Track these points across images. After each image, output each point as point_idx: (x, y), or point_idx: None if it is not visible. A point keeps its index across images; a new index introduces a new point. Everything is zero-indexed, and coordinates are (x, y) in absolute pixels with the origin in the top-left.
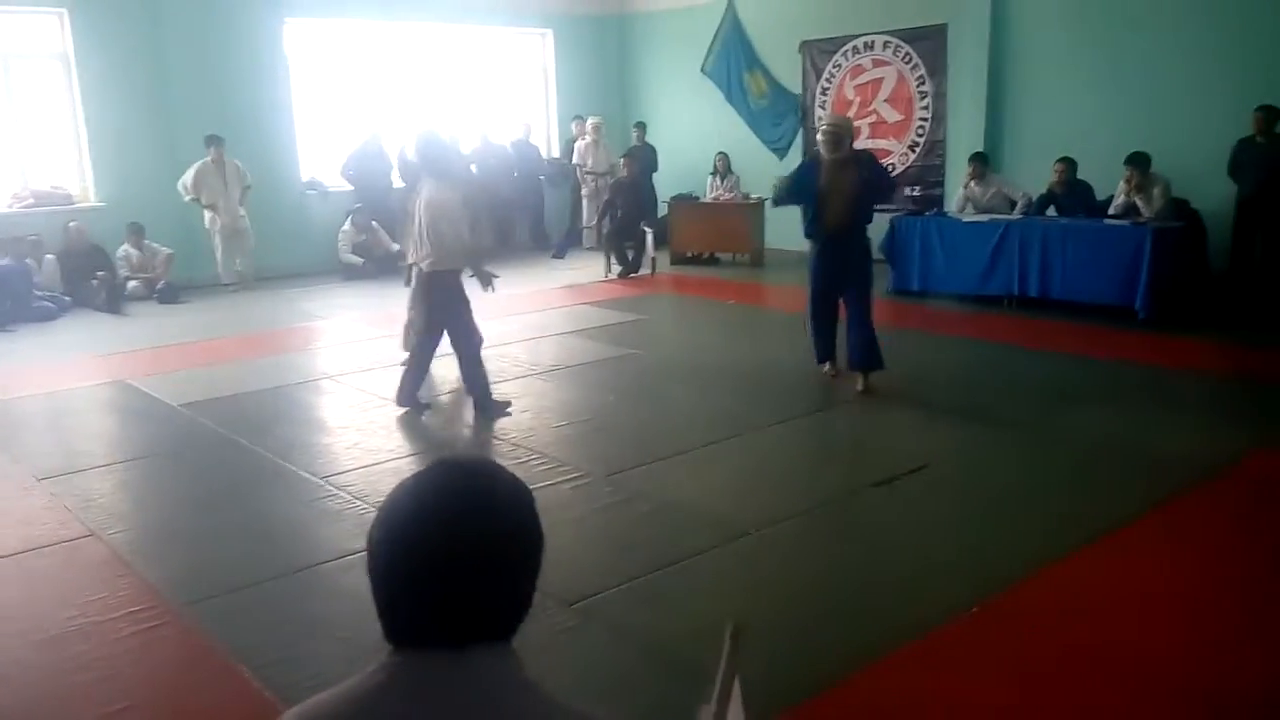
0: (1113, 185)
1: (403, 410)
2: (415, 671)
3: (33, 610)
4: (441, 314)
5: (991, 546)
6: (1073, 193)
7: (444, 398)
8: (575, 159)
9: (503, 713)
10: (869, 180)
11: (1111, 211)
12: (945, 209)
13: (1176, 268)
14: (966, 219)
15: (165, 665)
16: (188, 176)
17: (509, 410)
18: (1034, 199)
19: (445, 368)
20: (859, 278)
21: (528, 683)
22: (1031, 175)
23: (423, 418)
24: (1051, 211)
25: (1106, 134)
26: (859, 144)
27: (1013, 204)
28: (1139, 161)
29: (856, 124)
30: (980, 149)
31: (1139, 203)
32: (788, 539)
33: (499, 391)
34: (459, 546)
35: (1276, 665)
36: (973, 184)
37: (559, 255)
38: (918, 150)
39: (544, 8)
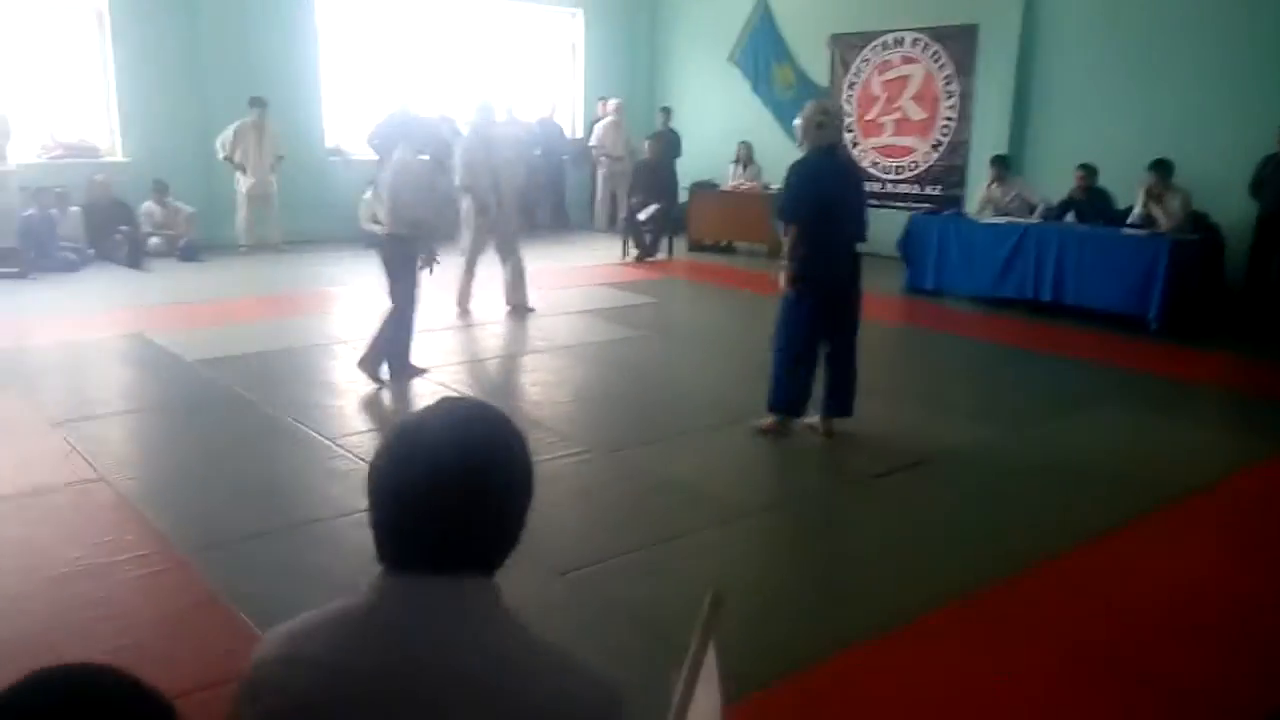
0: (1133, 195)
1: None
2: (403, 592)
3: (41, 549)
4: (392, 275)
5: (982, 543)
6: (1092, 200)
7: (451, 368)
8: (593, 140)
9: (485, 637)
10: None
11: (1130, 221)
12: (965, 209)
13: (1192, 280)
14: (985, 221)
15: (168, 608)
16: (226, 134)
17: (422, 373)
18: (1053, 204)
19: (461, 339)
20: None
21: (509, 612)
22: (1052, 180)
23: (412, 381)
24: (1070, 218)
25: (1129, 143)
26: (873, 140)
27: (1032, 208)
28: (1161, 168)
29: (881, 120)
30: (1003, 152)
31: (1158, 214)
32: (784, 523)
33: (513, 365)
34: (453, 473)
35: (1247, 668)
36: (994, 186)
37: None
38: (940, 149)
39: None
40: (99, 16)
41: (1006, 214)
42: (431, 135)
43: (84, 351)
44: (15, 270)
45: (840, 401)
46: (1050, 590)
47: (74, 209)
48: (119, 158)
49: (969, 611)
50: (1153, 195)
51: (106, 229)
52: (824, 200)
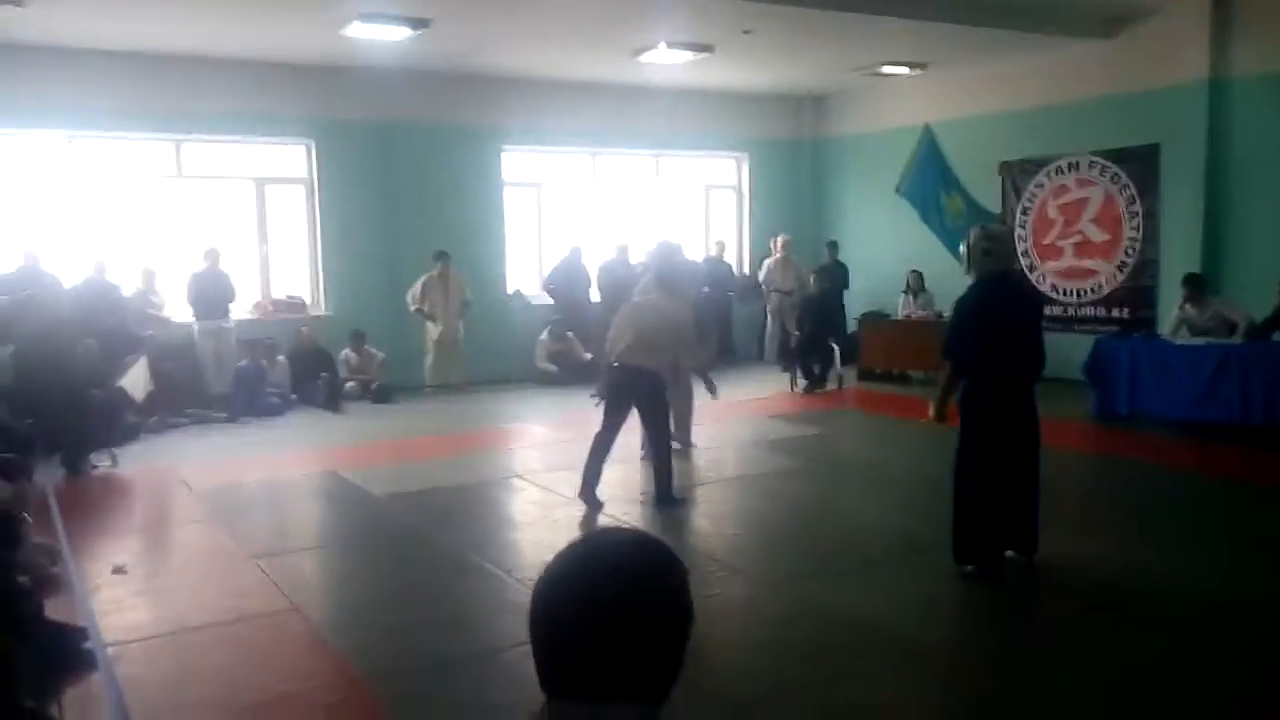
0: None
1: (585, 505)
2: None
3: (238, 674)
4: (651, 405)
5: (1193, 699)
6: None
7: (623, 502)
8: (763, 276)
9: None
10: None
11: None
12: (1157, 330)
13: None
14: (1180, 341)
15: None
16: (415, 289)
17: (600, 507)
18: (1257, 322)
19: (627, 471)
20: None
21: None
22: (1252, 297)
23: (599, 515)
24: (1277, 336)
25: None
26: (1052, 264)
27: (1232, 327)
28: None
29: (1060, 244)
30: (1196, 269)
31: None
32: (969, 667)
33: (679, 492)
34: (608, 601)
35: None
36: (1188, 306)
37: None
38: (1126, 270)
39: (741, 134)
40: (309, 187)
41: (1204, 333)
42: (687, 278)
43: (283, 488)
44: (225, 415)
45: (1022, 538)
46: None
47: (281, 358)
48: (322, 311)
49: None
50: None
51: (309, 375)
52: (993, 332)
